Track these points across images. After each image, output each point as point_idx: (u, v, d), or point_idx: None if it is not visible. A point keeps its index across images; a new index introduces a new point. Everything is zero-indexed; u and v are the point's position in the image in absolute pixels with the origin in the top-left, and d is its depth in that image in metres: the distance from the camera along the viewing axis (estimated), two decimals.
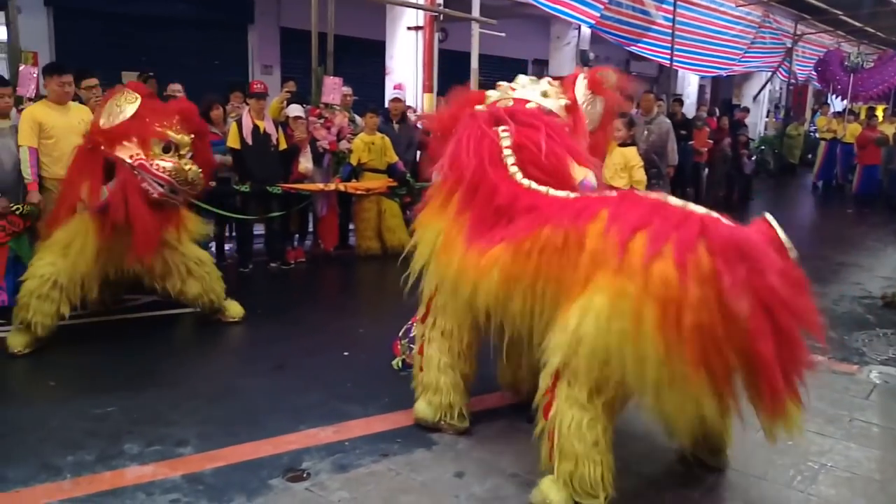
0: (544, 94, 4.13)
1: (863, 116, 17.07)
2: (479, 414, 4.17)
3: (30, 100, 6.86)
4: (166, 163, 5.27)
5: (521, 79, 4.30)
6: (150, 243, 5.34)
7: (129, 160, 5.18)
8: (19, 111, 6.14)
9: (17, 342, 5.13)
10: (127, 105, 5.31)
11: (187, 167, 5.36)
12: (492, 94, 4.24)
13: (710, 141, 13.70)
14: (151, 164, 5.21)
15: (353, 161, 8.46)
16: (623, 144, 7.45)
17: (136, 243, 5.27)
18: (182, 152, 5.41)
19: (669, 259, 2.85)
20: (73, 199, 5.34)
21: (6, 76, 7.26)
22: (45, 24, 11.08)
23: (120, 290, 6.10)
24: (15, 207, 5.70)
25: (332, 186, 8.16)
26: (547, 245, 3.27)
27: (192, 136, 5.55)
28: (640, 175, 7.33)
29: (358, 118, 9.15)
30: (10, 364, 5.02)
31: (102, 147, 5.27)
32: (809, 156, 19.42)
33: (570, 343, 3.01)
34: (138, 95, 5.41)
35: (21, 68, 7.04)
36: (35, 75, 7.13)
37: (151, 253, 5.41)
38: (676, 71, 17.14)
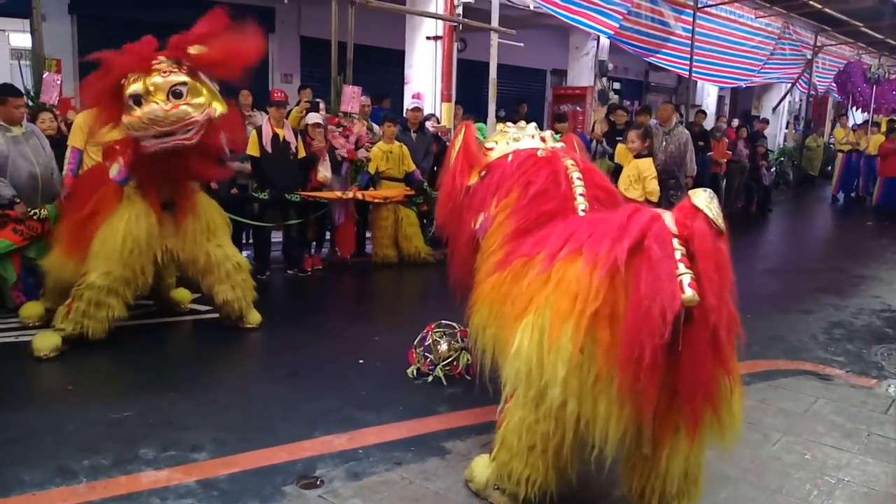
0: (542, 139, 4.19)
1: (884, 128, 16.95)
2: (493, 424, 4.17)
3: (53, 106, 7.04)
4: (131, 118, 4.94)
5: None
6: (199, 168, 5.39)
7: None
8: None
9: (44, 346, 5.14)
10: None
11: (137, 112, 4.90)
12: (496, 142, 4.25)
13: (729, 152, 13.68)
14: (129, 127, 4.97)
15: (371, 169, 8.51)
16: (639, 156, 7.42)
17: (190, 169, 5.32)
18: (149, 96, 4.91)
19: (581, 259, 2.90)
20: (111, 190, 5.37)
21: (30, 83, 7.39)
22: (68, 32, 11.19)
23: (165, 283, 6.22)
24: (33, 212, 5.81)
25: (349, 194, 8.20)
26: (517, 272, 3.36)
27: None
28: (653, 186, 7.29)
29: (376, 127, 9.19)
30: (29, 367, 5.06)
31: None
32: (829, 168, 19.28)
33: (513, 362, 3.08)
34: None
35: (45, 75, 7.14)
36: (58, 82, 7.24)
37: (209, 174, 5.53)
38: (695, 82, 17.09)
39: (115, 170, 5.22)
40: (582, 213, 3.55)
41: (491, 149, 4.20)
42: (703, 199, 2.65)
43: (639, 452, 2.92)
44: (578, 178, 3.71)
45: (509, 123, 4.42)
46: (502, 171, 3.95)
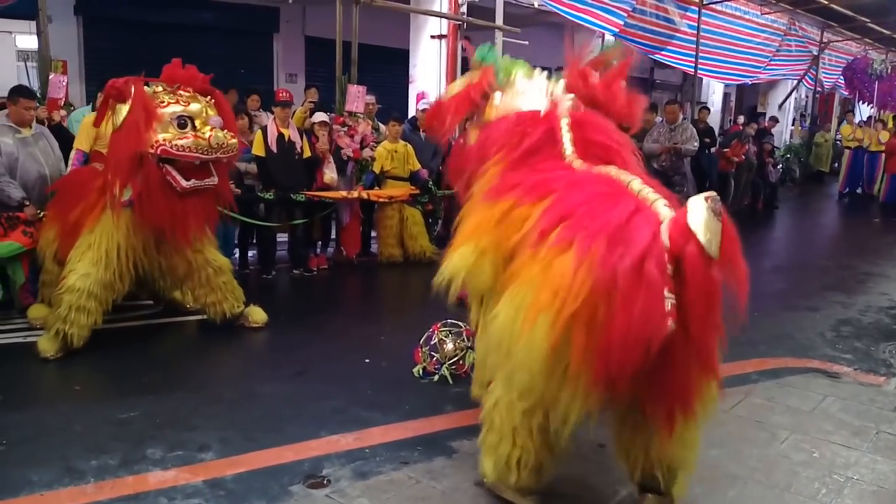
0: (550, 94, 3.85)
1: (890, 124, 16.88)
2: None
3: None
4: (184, 140, 5.01)
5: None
6: (186, 234, 5.36)
7: (151, 150, 4.96)
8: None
9: (49, 347, 5.14)
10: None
11: (206, 135, 5.09)
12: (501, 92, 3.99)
13: (744, 157, 13.65)
14: (172, 147, 4.97)
15: (376, 169, 8.50)
16: None
17: (174, 236, 5.31)
18: (199, 121, 5.14)
19: (573, 251, 2.70)
20: (94, 199, 5.33)
21: (36, 84, 7.40)
22: (74, 33, 11.22)
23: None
24: (42, 214, 5.82)
25: (354, 194, 8.19)
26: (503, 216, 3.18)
27: (208, 97, 5.30)
28: None
29: (382, 126, 9.19)
30: (37, 367, 5.07)
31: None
32: (836, 164, 19.21)
33: (486, 336, 3.04)
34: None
35: (51, 77, 7.15)
36: (64, 84, 7.25)
37: (189, 243, 5.44)
38: (701, 79, 17.03)
39: (126, 195, 5.09)
40: (570, 157, 3.37)
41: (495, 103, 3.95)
42: (701, 218, 2.46)
43: (632, 437, 2.94)
44: (567, 125, 3.52)
45: (521, 73, 4.04)
46: (490, 133, 3.74)
